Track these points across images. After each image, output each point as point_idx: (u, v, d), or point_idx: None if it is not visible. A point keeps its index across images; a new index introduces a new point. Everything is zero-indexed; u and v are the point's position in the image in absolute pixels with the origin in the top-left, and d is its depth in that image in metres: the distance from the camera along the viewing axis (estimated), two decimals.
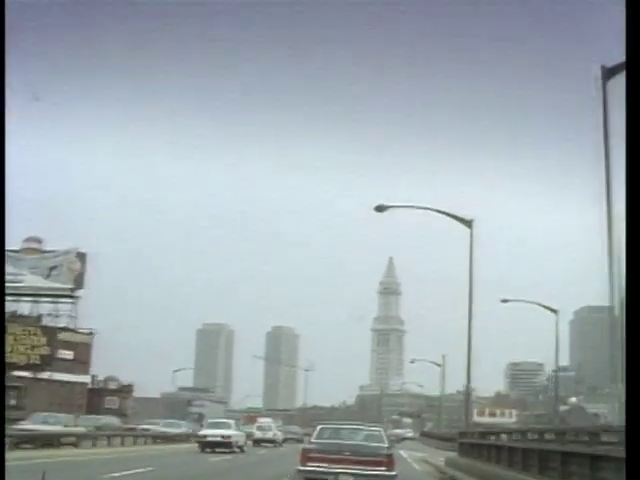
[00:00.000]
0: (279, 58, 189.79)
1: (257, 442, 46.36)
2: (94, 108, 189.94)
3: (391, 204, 27.49)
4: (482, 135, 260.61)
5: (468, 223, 25.93)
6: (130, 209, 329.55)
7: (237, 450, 35.95)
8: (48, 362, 67.88)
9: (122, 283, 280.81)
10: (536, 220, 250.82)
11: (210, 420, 44.27)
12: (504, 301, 50.45)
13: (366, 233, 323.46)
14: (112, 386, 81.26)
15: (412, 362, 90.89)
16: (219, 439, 35.09)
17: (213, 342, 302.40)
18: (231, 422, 40.27)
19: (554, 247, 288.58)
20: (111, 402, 78.70)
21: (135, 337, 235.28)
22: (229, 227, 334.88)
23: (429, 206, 27.57)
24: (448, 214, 26.48)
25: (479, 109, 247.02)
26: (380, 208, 26.94)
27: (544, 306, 50.52)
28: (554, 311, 50.17)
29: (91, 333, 75.06)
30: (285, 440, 53.07)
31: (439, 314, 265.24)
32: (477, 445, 22.52)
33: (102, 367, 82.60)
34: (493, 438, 21.29)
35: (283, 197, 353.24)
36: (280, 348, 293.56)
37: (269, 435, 49.27)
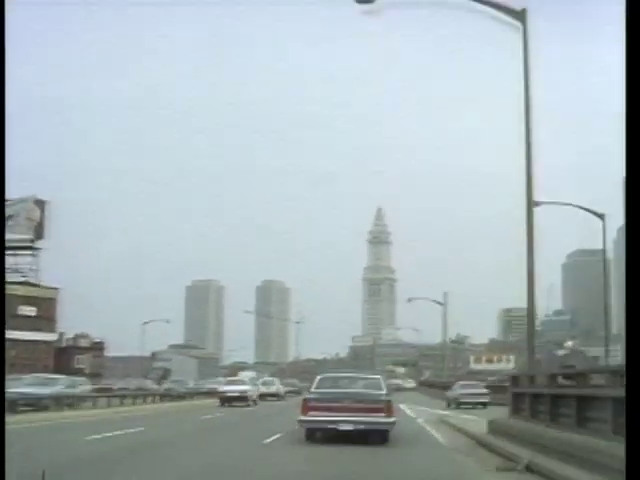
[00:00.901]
0: None
1: (262, 396, 49.53)
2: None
3: None
4: None
5: (519, 15, 16.17)
6: (105, 151, 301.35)
7: (251, 403, 40.77)
8: None
9: (103, 236, 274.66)
10: None
11: (229, 378, 50.09)
12: (535, 204, 38.54)
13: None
14: (83, 344, 76.17)
15: (409, 301, 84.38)
16: (237, 394, 40.21)
17: (203, 298, 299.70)
18: (246, 379, 45.73)
19: None
20: (82, 361, 73.65)
21: (125, 295, 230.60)
22: (213, 173, 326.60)
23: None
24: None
25: None
26: None
27: (587, 209, 39.46)
28: (600, 216, 39.35)
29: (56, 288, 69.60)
30: (286, 393, 57.59)
31: (435, 254, 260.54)
32: (551, 397, 13.08)
33: (80, 324, 77.64)
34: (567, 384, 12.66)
35: (267, 129, 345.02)
36: (270, 302, 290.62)
37: (272, 389, 53.58)
